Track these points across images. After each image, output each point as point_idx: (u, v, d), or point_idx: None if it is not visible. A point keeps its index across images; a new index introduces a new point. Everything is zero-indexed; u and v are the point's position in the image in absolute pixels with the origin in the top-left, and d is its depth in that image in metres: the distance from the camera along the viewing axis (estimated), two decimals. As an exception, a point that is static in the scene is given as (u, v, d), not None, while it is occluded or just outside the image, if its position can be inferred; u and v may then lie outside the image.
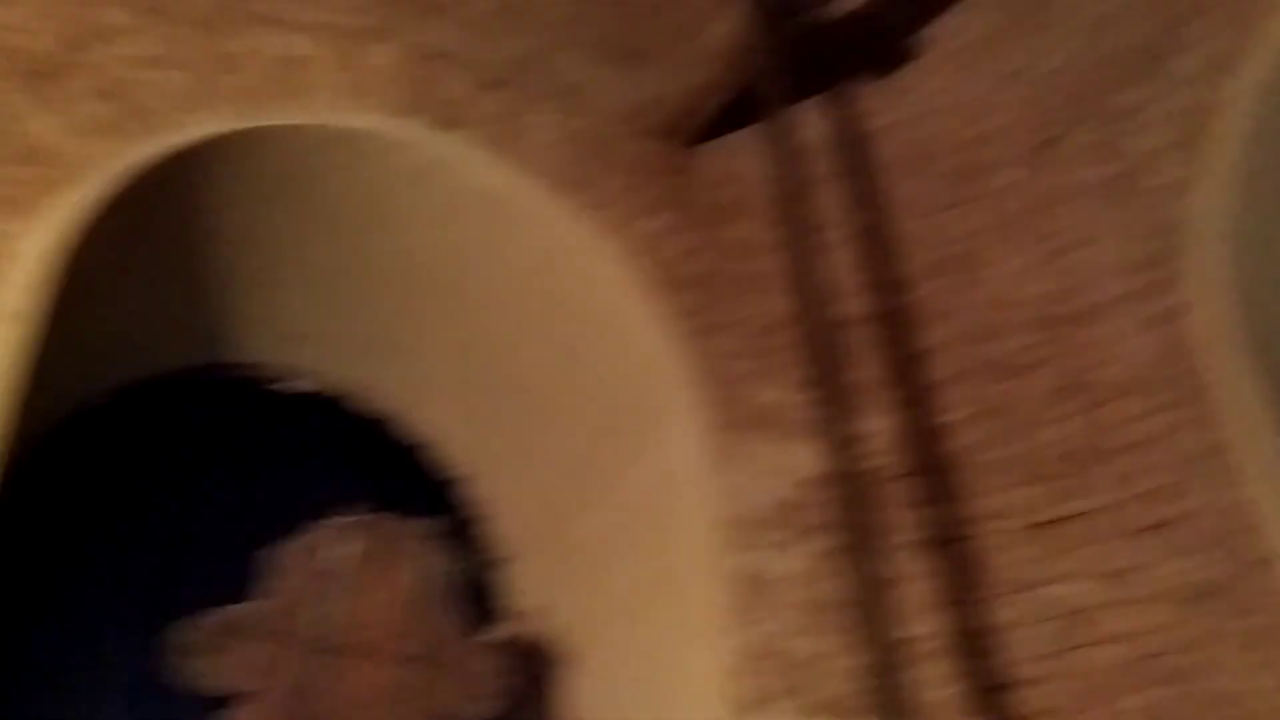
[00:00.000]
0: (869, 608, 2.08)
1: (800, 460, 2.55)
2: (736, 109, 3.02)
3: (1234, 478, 2.28)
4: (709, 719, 2.30)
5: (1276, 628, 2.13)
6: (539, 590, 3.10)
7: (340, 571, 2.64)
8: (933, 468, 2.60)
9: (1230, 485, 2.28)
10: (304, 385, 3.12)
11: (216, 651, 2.43)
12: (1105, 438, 2.48)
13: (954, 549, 2.48)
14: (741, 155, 3.01)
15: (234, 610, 2.53)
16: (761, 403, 2.74)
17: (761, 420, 2.71)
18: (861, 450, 2.34)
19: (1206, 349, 2.42)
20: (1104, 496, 2.42)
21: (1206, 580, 2.23)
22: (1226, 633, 2.18)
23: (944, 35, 3.09)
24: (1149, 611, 2.27)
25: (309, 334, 3.10)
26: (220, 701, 2.46)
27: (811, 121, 3.03)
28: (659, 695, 2.51)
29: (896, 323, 2.83)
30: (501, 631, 2.87)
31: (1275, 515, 2.21)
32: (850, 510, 2.20)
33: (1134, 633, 2.26)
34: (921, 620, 2.37)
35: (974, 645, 2.35)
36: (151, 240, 2.68)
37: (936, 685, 2.29)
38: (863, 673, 2.13)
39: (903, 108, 3.09)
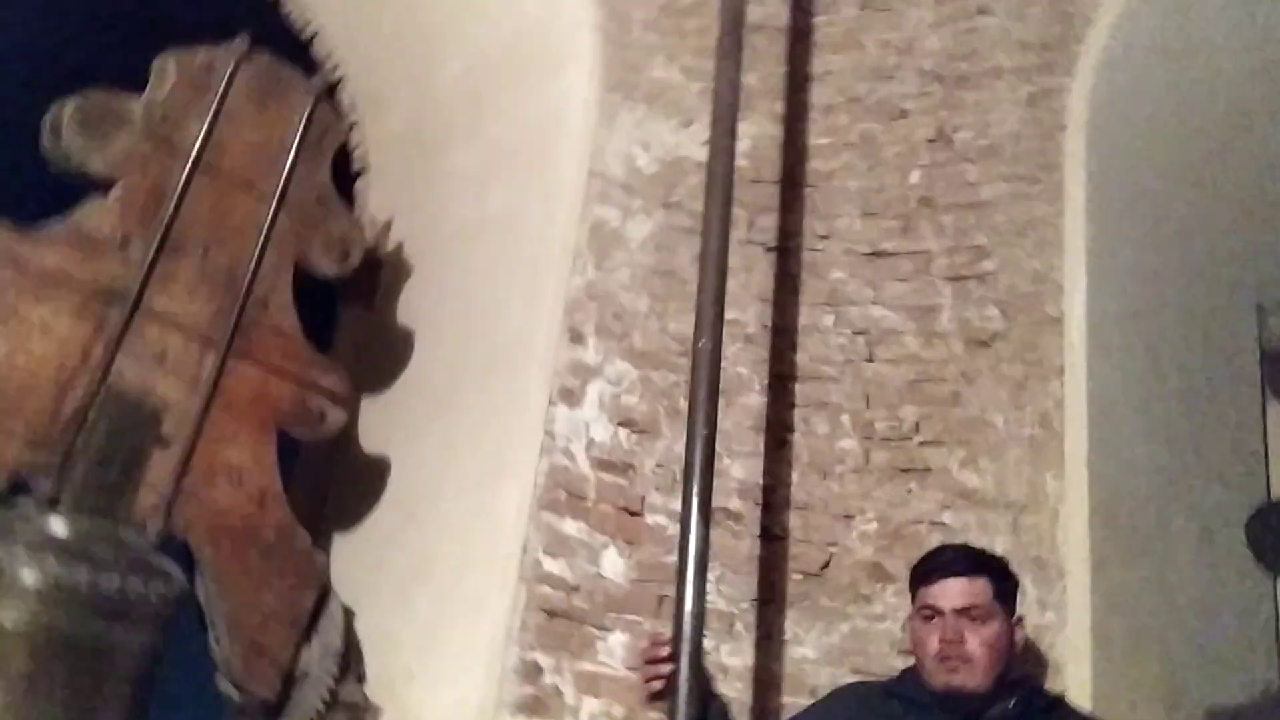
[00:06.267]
0: (703, 286, 2.27)
1: (676, 140, 2.70)
2: None
3: (1045, 250, 2.53)
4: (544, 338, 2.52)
5: (1040, 377, 2.44)
6: (392, 208, 3.25)
7: (227, 97, 2.61)
8: (791, 182, 2.77)
9: (1039, 255, 2.53)
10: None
11: (93, 133, 2.39)
12: (954, 193, 2.69)
13: (789, 257, 2.70)
14: None
15: (119, 98, 2.50)
16: (656, 77, 2.84)
17: (651, 93, 2.82)
18: (733, 148, 2.47)
19: (1067, 133, 2.61)
20: (930, 243, 2.66)
21: (994, 330, 2.51)
22: (1001, 375, 2.48)
23: None
24: (941, 345, 2.55)
25: None
26: (84, 181, 2.43)
27: None
28: (499, 317, 2.71)
29: (801, 40, 2.91)
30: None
31: (1071, 287, 2.48)
32: (709, 197, 2.36)
33: (924, 359, 2.55)
34: (745, 309, 2.61)
35: (784, 339, 2.62)
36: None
37: (743, 364, 2.57)
38: (683, 338, 2.36)
39: None
